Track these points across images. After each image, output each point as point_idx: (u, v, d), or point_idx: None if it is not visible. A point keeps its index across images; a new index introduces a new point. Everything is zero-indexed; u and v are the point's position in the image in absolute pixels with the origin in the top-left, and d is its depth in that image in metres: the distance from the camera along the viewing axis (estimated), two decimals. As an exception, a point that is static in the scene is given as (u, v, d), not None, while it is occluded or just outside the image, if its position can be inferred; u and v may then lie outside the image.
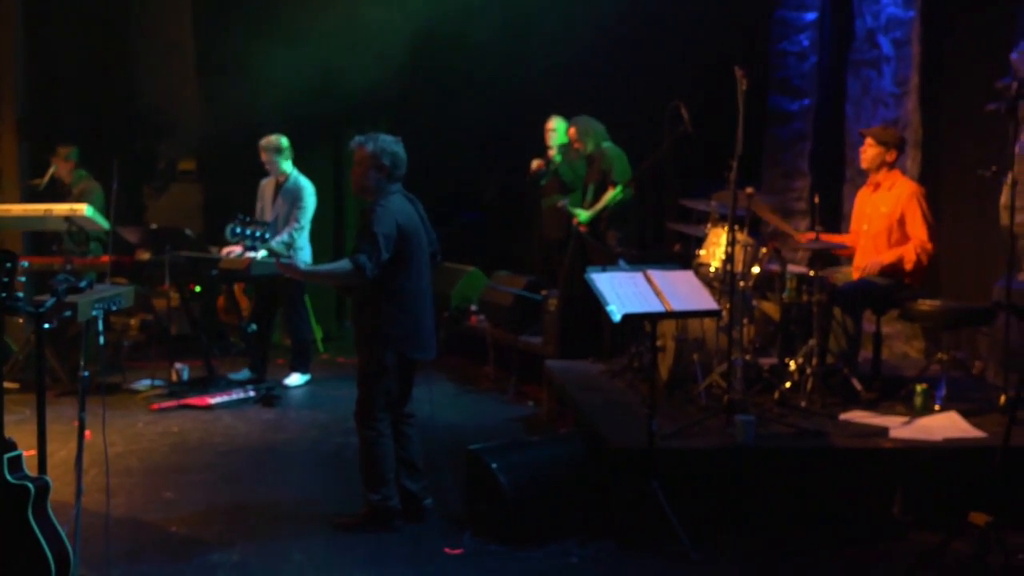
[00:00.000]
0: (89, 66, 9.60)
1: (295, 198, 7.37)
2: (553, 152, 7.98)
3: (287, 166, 7.46)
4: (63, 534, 3.29)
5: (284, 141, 7.43)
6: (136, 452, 5.86)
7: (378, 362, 4.56)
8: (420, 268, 4.64)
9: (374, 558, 4.34)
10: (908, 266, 5.66)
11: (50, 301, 3.21)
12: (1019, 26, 6.32)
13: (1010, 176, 5.59)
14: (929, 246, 5.63)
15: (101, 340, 3.60)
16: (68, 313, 3.30)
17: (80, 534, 3.71)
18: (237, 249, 7.26)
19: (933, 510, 4.56)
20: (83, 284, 3.34)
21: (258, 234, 4.49)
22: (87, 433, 4.65)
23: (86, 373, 3.60)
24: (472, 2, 8.77)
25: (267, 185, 7.59)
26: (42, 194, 8.14)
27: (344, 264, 4.45)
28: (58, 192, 8.18)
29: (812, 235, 5.64)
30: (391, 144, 4.64)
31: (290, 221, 7.32)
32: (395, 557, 4.36)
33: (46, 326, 3.35)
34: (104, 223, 7.32)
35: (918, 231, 5.64)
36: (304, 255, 7.37)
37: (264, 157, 7.45)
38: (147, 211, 9.94)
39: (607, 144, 7.30)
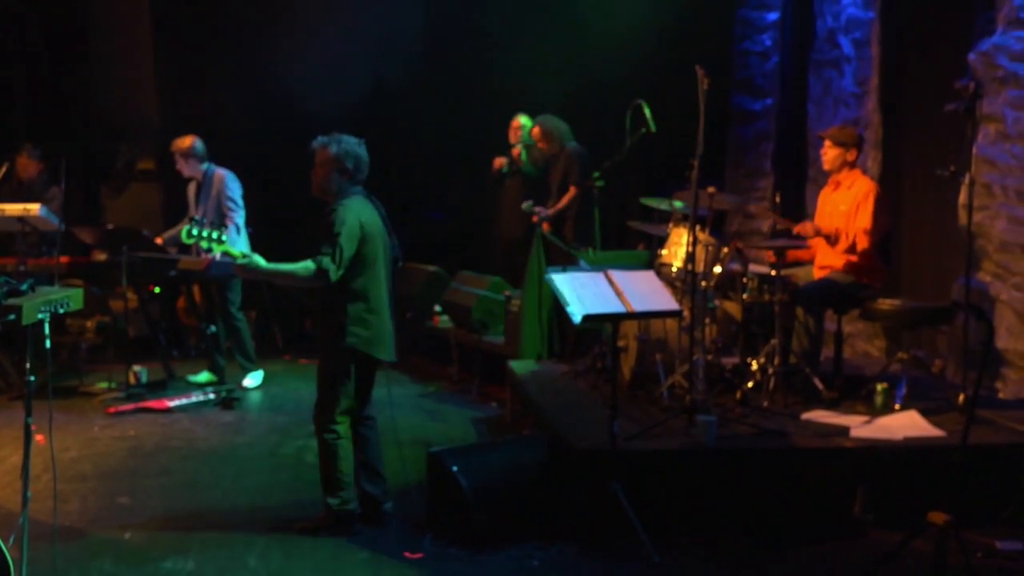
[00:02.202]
0: (46, 65, 9.43)
1: (218, 190, 7.26)
2: (519, 150, 7.94)
3: (203, 166, 7.34)
4: (3, 546, 3.18)
5: (197, 145, 7.32)
6: (91, 457, 5.74)
7: (339, 364, 4.50)
8: (382, 270, 4.57)
9: (333, 563, 4.28)
10: (839, 245, 5.67)
11: (-10, 305, 3.12)
12: (977, 27, 6.38)
13: (968, 176, 5.62)
14: (865, 238, 5.64)
15: (47, 344, 3.51)
16: (12, 316, 3.20)
17: (28, 543, 3.61)
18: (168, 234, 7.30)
19: (893, 509, 4.57)
20: (24, 287, 3.24)
21: (215, 235, 4.41)
22: (40, 438, 4.57)
23: (32, 378, 3.50)
24: (435, 2, 8.73)
25: (190, 187, 7.49)
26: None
27: (308, 265, 4.38)
28: (16, 191, 7.99)
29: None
30: (354, 146, 4.57)
31: (226, 212, 7.21)
32: (354, 562, 4.30)
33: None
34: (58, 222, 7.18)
35: (862, 222, 5.67)
36: (240, 244, 7.25)
37: (177, 161, 7.34)
38: (105, 211, 9.78)
39: (571, 144, 7.27)
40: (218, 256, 6.90)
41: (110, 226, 7.93)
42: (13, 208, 7.10)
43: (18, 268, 7.10)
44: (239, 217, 7.24)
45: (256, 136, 7.92)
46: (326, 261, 4.34)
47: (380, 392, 4.78)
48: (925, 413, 5.17)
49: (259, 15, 9.27)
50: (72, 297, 3.55)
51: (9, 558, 3.19)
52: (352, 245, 4.39)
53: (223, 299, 7.36)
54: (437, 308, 8.47)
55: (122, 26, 9.93)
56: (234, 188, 7.30)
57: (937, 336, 6.58)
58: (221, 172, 7.33)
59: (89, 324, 8.27)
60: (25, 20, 9.35)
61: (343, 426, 4.55)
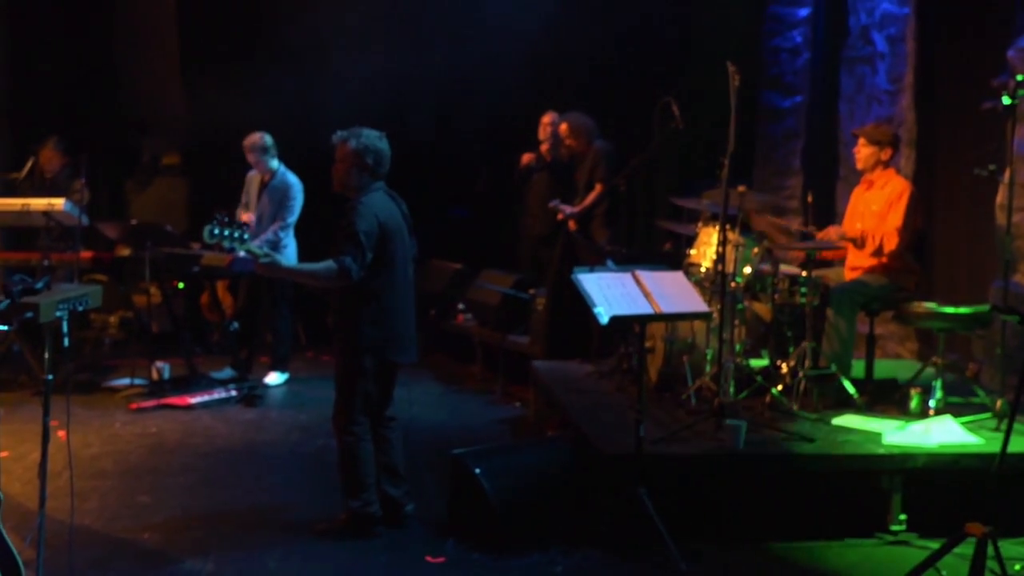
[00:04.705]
0: (72, 58, 9.43)
1: (283, 196, 7.26)
2: (547, 147, 7.85)
3: (274, 163, 7.35)
4: (13, 549, 3.12)
5: (268, 139, 7.32)
6: (112, 454, 5.71)
7: (356, 365, 4.42)
8: (401, 268, 4.49)
9: (353, 567, 4.22)
10: (867, 247, 5.55)
11: (3, 303, 3.07)
12: (1016, 23, 6.21)
13: (1007, 175, 5.48)
14: (895, 237, 5.51)
15: (66, 342, 3.45)
16: (29, 314, 3.15)
17: (45, 543, 3.57)
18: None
19: (928, 518, 4.46)
20: (39, 285, 3.19)
21: (236, 234, 4.33)
22: (61, 434, 4.53)
23: (50, 376, 3.44)
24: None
25: (253, 179, 7.47)
26: (21, 188, 7.94)
27: (329, 265, 4.30)
28: (39, 186, 7.98)
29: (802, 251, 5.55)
30: (375, 140, 4.49)
31: (276, 219, 7.21)
32: (375, 565, 4.24)
33: (4, 328, 3.22)
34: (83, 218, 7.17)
35: (892, 222, 5.54)
36: (289, 252, 7.25)
37: (250, 158, 7.33)
38: (130, 206, 9.78)
39: (599, 141, 7.17)
40: (241, 254, 6.91)
41: (134, 221, 7.90)
42: (38, 203, 7.10)
43: (42, 263, 7.09)
44: (285, 230, 7.21)
45: (283, 130, 7.87)
46: (348, 261, 4.26)
47: (401, 392, 4.71)
48: (960, 419, 5.03)
49: (287, 8, 9.23)
50: (91, 295, 3.50)
51: (18, 558, 3.13)
52: (371, 242, 4.31)
53: (273, 291, 7.32)
54: (461, 306, 8.40)
55: (149, 19, 9.92)
56: (298, 199, 7.28)
57: (972, 339, 6.43)
58: (292, 179, 7.33)
59: (112, 319, 8.27)
60: (51, 14, 9.35)
61: (362, 427, 4.48)
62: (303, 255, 7.22)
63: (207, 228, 4.29)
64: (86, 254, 7.45)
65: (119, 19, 9.94)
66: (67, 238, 7.35)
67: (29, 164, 7.94)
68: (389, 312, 4.42)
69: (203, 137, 9.26)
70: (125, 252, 7.61)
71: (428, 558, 4.27)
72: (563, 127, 7.23)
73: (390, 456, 4.64)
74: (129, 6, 9.97)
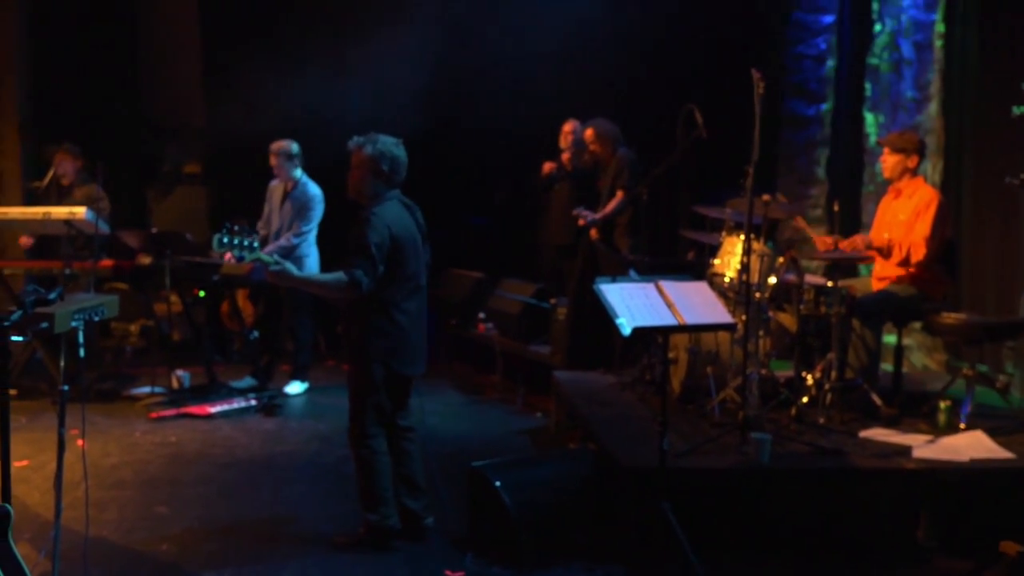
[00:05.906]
0: (93, 67, 9.46)
1: (302, 205, 7.24)
2: (568, 155, 7.79)
3: (297, 172, 7.32)
4: (23, 564, 3.08)
5: (295, 147, 7.31)
6: (131, 463, 5.68)
7: (366, 375, 4.36)
8: (413, 279, 4.42)
9: (372, 580, 4.16)
10: (893, 257, 5.45)
11: (16, 314, 3.04)
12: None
13: (1039, 184, 5.37)
14: (923, 247, 5.40)
15: (82, 352, 3.42)
16: (45, 325, 3.12)
17: (59, 555, 3.53)
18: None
19: (960, 535, 4.35)
20: (52, 296, 3.16)
21: (246, 243, 4.28)
22: (80, 443, 4.52)
23: (65, 387, 3.41)
24: (481, 2, 8.62)
25: (275, 189, 7.45)
26: (44, 196, 7.95)
27: (339, 276, 4.24)
28: (55, 193, 7.98)
29: (830, 240, 5.47)
30: (391, 147, 4.43)
31: (292, 227, 7.19)
32: (394, 579, 4.18)
33: (21, 339, 3.19)
34: (103, 226, 7.16)
35: (920, 232, 5.43)
36: (311, 262, 7.22)
37: (274, 162, 7.32)
38: (151, 214, 9.80)
39: (623, 149, 7.11)
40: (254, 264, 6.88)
41: (154, 230, 7.90)
42: (59, 211, 7.10)
43: (64, 272, 7.09)
44: (301, 235, 7.18)
45: (302, 140, 7.86)
46: (359, 274, 4.20)
47: (415, 403, 4.65)
48: (991, 433, 4.92)
49: (306, 19, 9.23)
50: (107, 304, 3.46)
51: (28, 573, 3.08)
52: (382, 254, 4.25)
53: (293, 300, 7.29)
54: (481, 315, 8.35)
55: (170, 28, 9.96)
56: (317, 209, 7.26)
57: (1002, 351, 6.32)
58: (314, 190, 7.30)
59: (133, 328, 8.26)
60: (74, 22, 9.39)
61: (378, 439, 4.42)
62: (325, 266, 7.19)
63: (216, 237, 4.24)
64: (107, 263, 7.45)
65: (142, 28, 9.98)
66: (89, 247, 7.35)
67: (50, 173, 7.95)
68: (399, 323, 4.35)
69: (224, 146, 9.27)
70: (146, 261, 7.59)
71: (447, 572, 4.21)
72: (588, 133, 7.17)
73: (409, 468, 4.58)
74: (152, 15, 10.00)
